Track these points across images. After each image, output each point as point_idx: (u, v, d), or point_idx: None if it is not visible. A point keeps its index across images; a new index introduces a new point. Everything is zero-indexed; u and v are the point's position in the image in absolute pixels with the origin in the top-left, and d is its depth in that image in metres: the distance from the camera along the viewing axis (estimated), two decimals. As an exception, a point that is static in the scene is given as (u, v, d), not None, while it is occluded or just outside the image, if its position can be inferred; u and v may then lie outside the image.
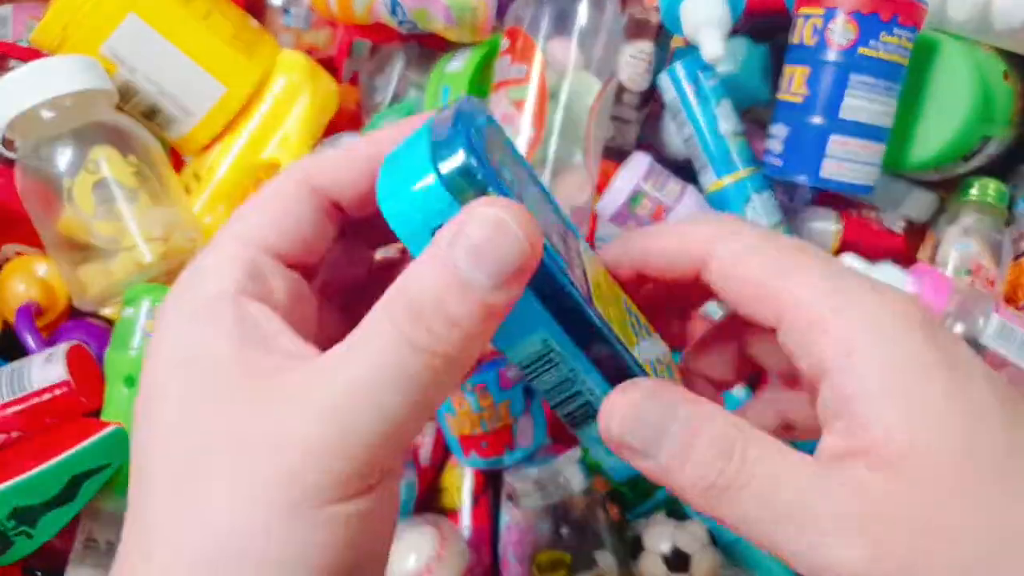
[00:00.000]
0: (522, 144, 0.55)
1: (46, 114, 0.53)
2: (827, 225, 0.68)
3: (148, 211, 0.54)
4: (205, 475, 0.22)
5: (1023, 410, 0.24)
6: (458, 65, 0.64)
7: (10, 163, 0.56)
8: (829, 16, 0.56)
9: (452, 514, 0.59)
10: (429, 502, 0.60)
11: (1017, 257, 0.65)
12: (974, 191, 0.64)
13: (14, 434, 0.49)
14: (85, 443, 0.45)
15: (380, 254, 0.33)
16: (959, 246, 0.63)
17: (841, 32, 0.56)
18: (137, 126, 0.56)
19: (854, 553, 0.22)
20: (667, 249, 0.28)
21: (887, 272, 0.54)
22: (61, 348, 0.51)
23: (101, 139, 0.54)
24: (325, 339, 0.25)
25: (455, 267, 0.22)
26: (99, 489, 0.48)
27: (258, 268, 0.25)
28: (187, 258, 0.56)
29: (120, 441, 0.48)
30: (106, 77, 0.55)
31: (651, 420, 0.25)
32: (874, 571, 0.22)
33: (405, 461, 0.30)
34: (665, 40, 0.67)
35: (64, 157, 0.53)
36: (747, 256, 0.26)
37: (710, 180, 0.64)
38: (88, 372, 0.51)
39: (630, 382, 0.26)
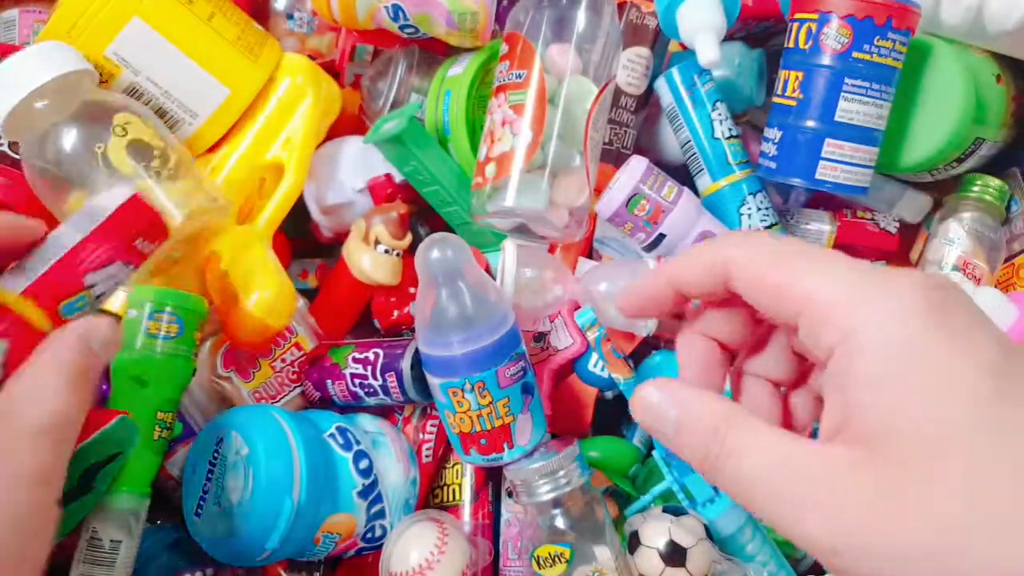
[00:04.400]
0: (521, 147, 0.56)
1: (38, 105, 0.53)
2: (821, 226, 0.68)
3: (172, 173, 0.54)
4: None
5: (1018, 391, 0.25)
6: (459, 70, 0.65)
7: (16, 164, 0.56)
8: (823, 21, 0.57)
9: (453, 509, 0.59)
10: (431, 498, 0.61)
11: (1009, 258, 0.65)
12: (975, 188, 0.64)
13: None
14: (95, 435, 0.45)
15: None
16: (953, 241, 0.63)
17: (835, 36, 0.57)
18: (130, 99, 0.57)
19: (809, 525, 0.25)
20: (694, 270, 0.31)
21: (989, 296, 0.55)
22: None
23: (110, 110, 0.54)
24: None
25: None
26: (114, 478, 0.49)
27: None
28: (215, 215, 0.56)
29: (128, 429, 0.48)
30: (80, 57, 0.55)
31: (657, 408, 0.30)
32: (826, 542, 0.25)
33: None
34: (662, 45, 0.68)
35: (70, 139, 0.53)
36: (763, 260, 0.28)
37: (706, 183, 0.65)
38: None
39: (648, 380, 0.31)
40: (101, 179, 0.53)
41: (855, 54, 0.57)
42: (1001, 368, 0.25)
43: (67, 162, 0.53)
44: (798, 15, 0.59)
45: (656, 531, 0.54)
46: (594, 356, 0.62)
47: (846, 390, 0.26)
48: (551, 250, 0.64)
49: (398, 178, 0.65)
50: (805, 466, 0.26)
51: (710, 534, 0.54)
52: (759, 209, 0.64)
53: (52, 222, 0.55)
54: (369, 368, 0.58)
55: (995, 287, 0.63)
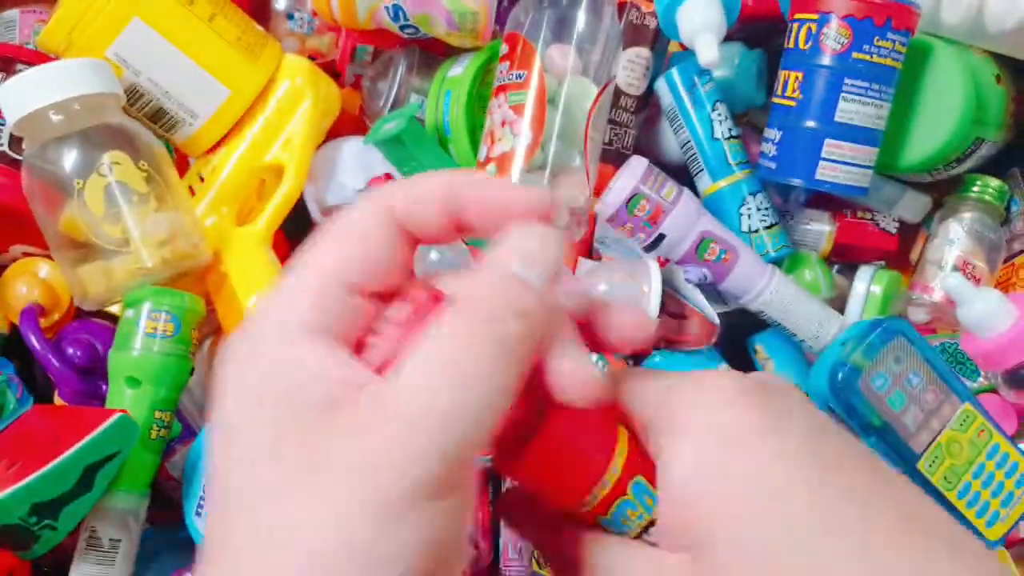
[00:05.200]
0: (521, 148, 0.56)
1: (54, 116, 0.53)
2: (821, 227, 0.68)
3: (154, 216, 0.55)
4: (300, 496, 0.23)
5: (836, 473, 0.25)
6: (459, 70, 0.65)
7: (17, 164, 0.56)
8: (823, 21, 0.57)
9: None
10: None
11: (1009, 258, 0.65)
12: (975, 188, 0.64)
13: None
14: (94, 433, 0.45)
15: None
16: (953, 241, 0.63)
17: (835, 37, 0.57)
18: (144, 130, 0.57)
19: None
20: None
21: (990, 297, 0.55)
22: None
23: (111, 142, 0.54)
24: None
25: (512, 272, 0.25)
26: (114, 476, 0.49)
27: (329, 301, 0.26)
28: (189, 264, 0.56)
29: (127, 428, 0.48)
30: (115, 80, 0.56)
31: None
32: None
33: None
34: (662, 45, 0.68)
35: (70, 158, 0.53)
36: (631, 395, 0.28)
37: (706, 183, 0.65)
38: None
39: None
40: (76, 212, 0.54)
41: (855, 54, 0.57)
42: (808, 449, 0.25)
43: (59, 176, 0.54)
44: (798, 15, 0.59)
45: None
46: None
47: (665, 494, 0.26)
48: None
49: (398, 178, 0.65)
50: (639, 569, 0.26)
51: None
52: (759, 209, 0.64)
53: (37, 237, 0.56)
54: (369, 368, 0.58)
55: (995, 287, 0.63)
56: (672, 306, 0.60)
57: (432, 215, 0.27)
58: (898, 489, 0.25)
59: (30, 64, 0.58)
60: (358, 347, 0.26)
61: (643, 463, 0.27)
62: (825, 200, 0.69)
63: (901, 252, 0.70)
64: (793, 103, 0.59)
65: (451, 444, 0.23)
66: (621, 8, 0.65)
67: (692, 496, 0.25)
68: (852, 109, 0.57)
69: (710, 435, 0.25)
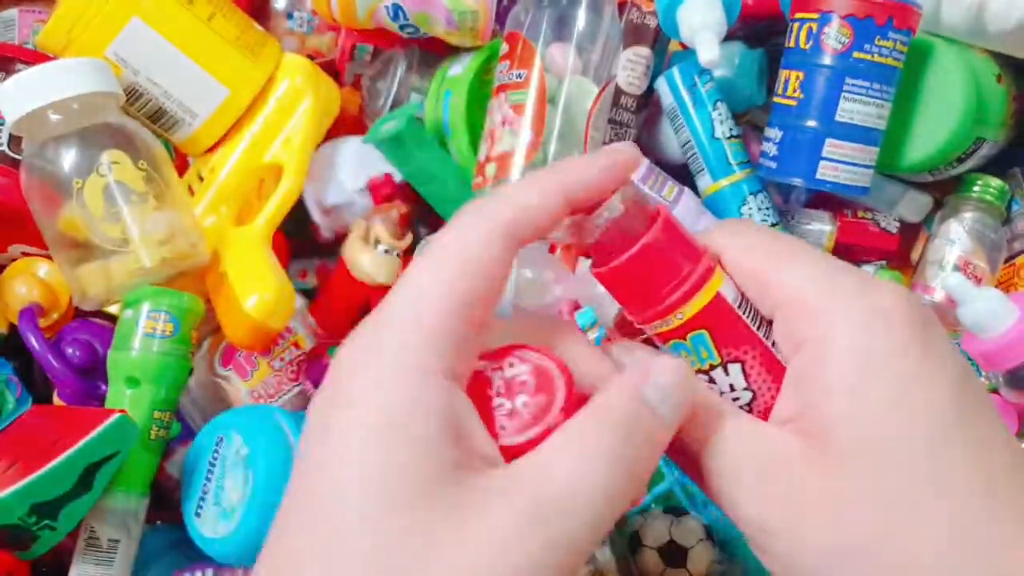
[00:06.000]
0: (521, 147, 0.56)
1: (53, 116, 0.53)
2: (822, 226, 0.68)
3: (153, 216, 0.55)
4: (421, 563, 0.22)
5: (976, 417, 0.25)
6: (459, 69, 0.65)
7: (16, 164, 0.56)
8: (824, 20, 0.57)
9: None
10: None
11: (1010, 258, 0.65)
12: (976, 188, 0.64)
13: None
14: (93, 433, 0.45)
15: None
16: (954, 241, 0.63)
17: (836, 36, 0.57)
18: (143, 129, 0.57)
19: (745, 498, 0.26)
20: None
21: (990, 297, 0.55)
22: None
23: (110, 142, 0.54)
24: None
25: (650, 402, 0.25)
26: (113, 476, 0.49)
27: (453, 338, 0.25)
28: (189, 264, 0.56)
29: (126, 428, 0.48)
30: (114, 80, 0.56)
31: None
32: (757, 518, 0.25)
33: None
34: (662, 44, 0.68)
35: (69, 158, 0.53)
36: (748, 252, 0.28)
37: (707, 183, 0.65)
38: None
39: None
40: (75, 212, 0.53)
41: (856, 54, 0.57)
42: (962, 389, 0.25)
43: (58, 175, 0.54)
44: (799, 15, 0.59)
45: (656, 531, 0.54)
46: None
47: (810, 386, 0.26)
48: (551, 250, 0.64)
49: (398, 178, 0.65)
50: (753, 444, 0.26)
51: (710, 534, 0.54)
52: (760, 209, 0.64)
53: (36, 237, 0.56)
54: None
55: (996, 287, 0.63)
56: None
57: (550, 218, 0.27)
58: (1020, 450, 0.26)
59: (29, 64, 0.58)
60: (475, 393, 0.26)
61: (718, 323, 0.28)
62: (826, 200, 0.69)
63: (902, 252, 0.70)
64: (794, 103, 0.59)
65: (569, 543, 0.23)
66: (621, 7, 0.65)
67: (835, 392, 0.25)
68: (853, 109, 0.57)
69: (868, 347, 0.25)
